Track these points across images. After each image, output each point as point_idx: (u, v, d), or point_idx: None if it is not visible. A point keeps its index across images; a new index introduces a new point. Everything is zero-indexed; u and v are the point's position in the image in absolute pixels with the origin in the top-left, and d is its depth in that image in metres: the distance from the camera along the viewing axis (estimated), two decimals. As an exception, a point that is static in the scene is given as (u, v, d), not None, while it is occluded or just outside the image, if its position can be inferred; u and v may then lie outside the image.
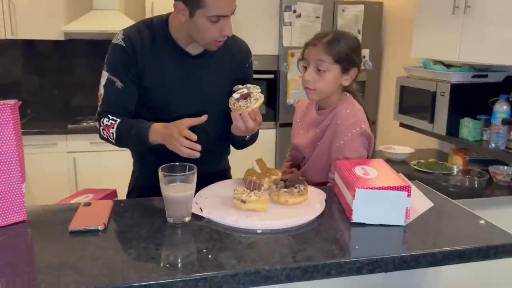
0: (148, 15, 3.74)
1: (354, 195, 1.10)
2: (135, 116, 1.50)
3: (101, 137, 1.53)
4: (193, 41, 1.45)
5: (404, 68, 3.05)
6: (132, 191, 1.68)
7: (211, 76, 1.54)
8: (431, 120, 2.74)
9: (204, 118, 1.34)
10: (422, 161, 2.76)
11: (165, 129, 1.37)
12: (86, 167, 3.51)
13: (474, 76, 2.62)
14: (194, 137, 1.28)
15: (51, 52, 3.90)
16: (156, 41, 1.48)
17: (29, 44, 3.83)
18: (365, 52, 3.79)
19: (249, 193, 1.14)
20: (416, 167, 2.66)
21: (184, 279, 0.86)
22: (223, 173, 1.67)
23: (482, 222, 1.17)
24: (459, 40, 2.53)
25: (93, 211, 1.14)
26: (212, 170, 1.56)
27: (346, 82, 1.49)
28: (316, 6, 3.66)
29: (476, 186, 2.38)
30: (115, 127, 1.45)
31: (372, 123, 4.05)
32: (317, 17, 3.68)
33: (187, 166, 1.12)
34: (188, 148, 1.28)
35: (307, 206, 1.19)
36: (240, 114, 1.32)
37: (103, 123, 1.47)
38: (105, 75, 1.48)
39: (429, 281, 1.24)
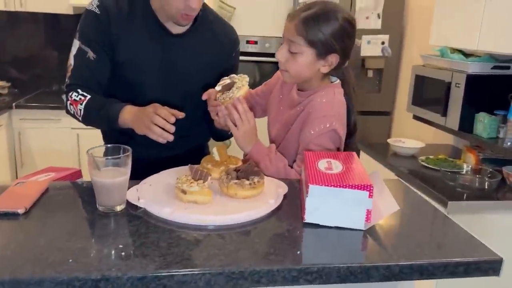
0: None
1: (307, 191, 0.96)
2: (106, 95, 1.40)
3: (67, 112, 1.42)
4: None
5: (421, 56, 2.83)
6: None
7: (191, 58, 1.41)
8: (444, 113, 2.53)
9: (181, 114, 1.23)
10: (431, 157, 2.56)
11: (139, 110, 1.27)
12: (89, 144, 3.45)
13: (494, 67, 2.39)
14: (172, 118, 1.19)
15: (70, 26, 3.84)
16: (134, 12, 1.35)
17: (51, 18, 3.78)
18: (385, 38, 3.56)
19: (191, 182, 1.01)
20: (423, 163, 2.47)
21: (82, 277, 0.75)
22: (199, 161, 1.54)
23: (460, 231, 1.00)
24: (479, 27, 2.30)
25: (21, 192, 1.04)
26: (185, 157, 1.43)
27: (325, 69, 1.29)
28: (333, -13, 3.45)
29: (486, 187, 2.17)
30: (84, 103, 1.33)
31: (387, 114, 3.85)
32: (334, -1, 3.47)
33: (121, 148, 1.00)
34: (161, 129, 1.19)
35: (259, 200, 1.05)
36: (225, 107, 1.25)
37: (71, 97, 1.35)
38: (76, 44, 1.36)
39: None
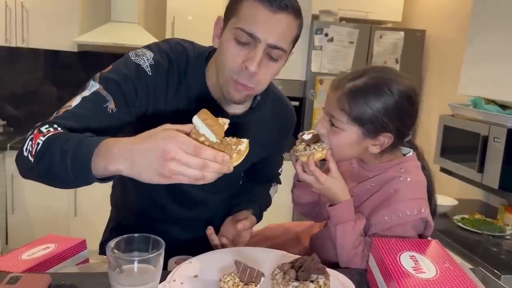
0: (169, 30, 3.48)
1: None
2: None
3: (18, 159, 0.92)
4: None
5: (449, 105, 2.65)
6: (104, 245, 1.33)
7: None
8: (480, 169, 2.31)
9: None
10: (467, 216, 2.33)
11: (136, 139, 0.77)
12: (86, 188, 3.21)
13: (534, 121, 2.20)
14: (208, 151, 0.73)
15: (72, 64, 3.67)
16: (185, 83, 1.06)
17: (51, 54, 3.60)
18: (403, 84, 3.41)
19: (242, 287, 0.77)
20: (460, 224, 2.24)
21: None
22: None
23: None
24: (520, 77, 2.13)
25: (17, 295, 0.79)
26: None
27: (374, 149, 1.05)
28: (350, 30, 3.31)
29: (536, 255, 1.94)
30: (48, 135, 0.87)
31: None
32: (351, 43, 3.33)
33: (151, 240, 0.76)
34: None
35: (328, 311, 0.81)
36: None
37: (39, 130, 0.90)
38: (92, 87, 0.99)
39: None
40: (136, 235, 0.77)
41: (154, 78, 1.02)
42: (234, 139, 0.80)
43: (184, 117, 1.06)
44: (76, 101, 0.98)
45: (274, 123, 1.21)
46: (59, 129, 0.90)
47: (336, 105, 1.02)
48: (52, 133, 0.88)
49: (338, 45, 3.33)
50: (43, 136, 0.87)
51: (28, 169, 0.89)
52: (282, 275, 0.83)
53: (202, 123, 0.78)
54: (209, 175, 0.73)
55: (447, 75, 3.21)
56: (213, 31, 1.03)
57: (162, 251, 0.74)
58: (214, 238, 1.12)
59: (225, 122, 0.81)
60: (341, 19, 3.46)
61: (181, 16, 3.48)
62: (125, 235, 0.76)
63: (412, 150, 1.13)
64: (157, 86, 1.03)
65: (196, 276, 0.89)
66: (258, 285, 0.79)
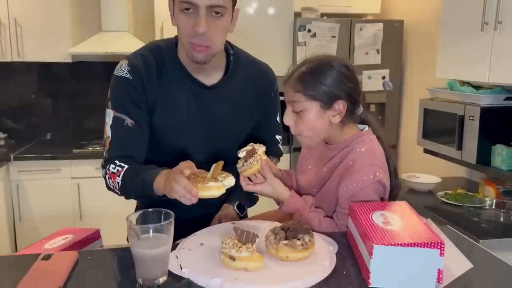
0: (158, 36, 3.62)
1: (371, 253, 0.87)
2: (148, 163, 1.29)
3: (108, 188, 1.29)
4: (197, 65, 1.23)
5: (428, 89, 2.81)
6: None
7: (229, 110, 1.32)
8: (459, 147, 2.48)
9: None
10: (450, 192, 2.49)
11: (169, 171, 1.11)
12: (90, 193, 3.35)
13: (506, 99, 2.37)
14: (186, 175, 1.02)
15: (65, 75, 3.79)
16: (165, 71, 1.26)
17: (44, 67, 3.72)
18: (385, 72, 3.58)
19: (240, 247, 0.92)
20: (443, 199, 2.40)
21: None
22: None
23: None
24: (489, 59, 2.29)
25: (51, 267, 0.93)
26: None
27: (336, 119, 1.22)
28: (332, 25, 3.47)
29: (513, 222, 2.10)
30: (121, 174, 1.21)
31: (393, 147, 3.80)
32: (333, 37, 3.49)
33: (163, 213, 0.91)
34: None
35: (313, 263, 0.96)
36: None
37: (109, 170, 1.23)
38: (110, 114, 1.25)
39: None
40: (150, 210, 0.92)
41: (136, 78, 1.23)
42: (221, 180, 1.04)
43: (172, 100, 1.26)
44: (108, 131, 1.25)
45: (250, 86, 1.34)
46: (122, 164, 1.21)
47: (291, 90, 1.22)
48: (121, 172, 1.20)
49: (321, 40, 3.48)
50: (118, 176, 1.21)
51: (119, 195, 1.26)
52: (274, 235, 0.99)
53: (213, 166, 1.07)
54: (176, 188, 1.00)
55: (426, 61, 3.37)
56: (169, 13, 1.23)
57: (172, 220, 0.89)
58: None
59: (228, 176, 1.06)
60: (322, 14, 3.61)
61: (169, 21, 3.60)
62: (140, 210, 0.91)
63: (367, 126, 1.30)
64: (141, 84, 1.23)
65: (202, 244, 1.04)
66: (254, 245, 0.94)
